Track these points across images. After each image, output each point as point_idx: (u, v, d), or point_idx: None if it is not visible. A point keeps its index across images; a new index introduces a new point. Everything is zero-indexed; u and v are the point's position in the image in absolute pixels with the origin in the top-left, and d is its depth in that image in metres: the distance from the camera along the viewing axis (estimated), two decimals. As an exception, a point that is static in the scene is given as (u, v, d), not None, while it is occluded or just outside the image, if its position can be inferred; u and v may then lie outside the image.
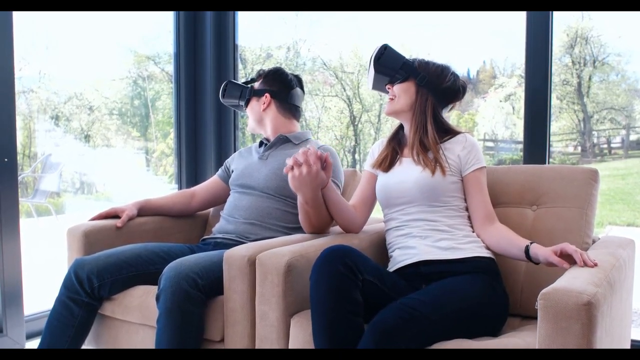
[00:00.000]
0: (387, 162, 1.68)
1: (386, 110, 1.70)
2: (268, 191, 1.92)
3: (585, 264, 1.27)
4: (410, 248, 1.55)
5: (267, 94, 2.04)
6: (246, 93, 2.09)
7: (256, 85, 2.10)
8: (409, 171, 1.61)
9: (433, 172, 1.56)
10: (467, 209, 1.61)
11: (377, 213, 1.88)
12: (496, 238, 1.54)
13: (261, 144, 2.10)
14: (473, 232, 1.59)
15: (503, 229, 1.55)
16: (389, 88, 1.68)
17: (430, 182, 1.56)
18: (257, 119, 2.09)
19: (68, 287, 1.69)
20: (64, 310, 1.68)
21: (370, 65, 1.68)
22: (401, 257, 1.56)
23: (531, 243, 1.44)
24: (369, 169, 1.75)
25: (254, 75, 2.17)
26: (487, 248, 1.57)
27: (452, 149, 1.61)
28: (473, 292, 1.40)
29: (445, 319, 1.29)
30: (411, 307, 1.26)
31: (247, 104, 2.10)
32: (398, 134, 1.73)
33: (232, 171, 2.10)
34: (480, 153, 1.62)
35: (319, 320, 1.28)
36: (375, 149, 1.79)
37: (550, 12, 2.10)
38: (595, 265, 1.27)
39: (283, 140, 2.03)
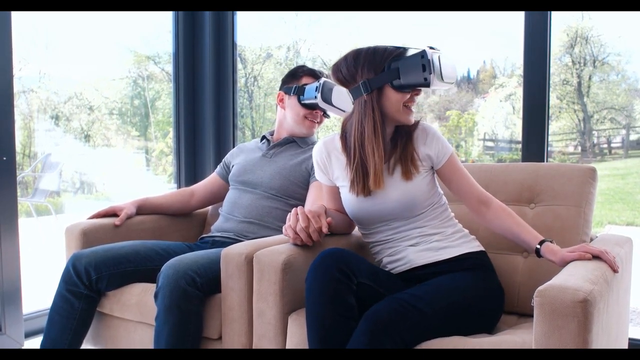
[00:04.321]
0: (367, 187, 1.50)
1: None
2: (271, 191, 1.92)
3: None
4: (400, 255, 1.52)
5: None
6: None
7: None
8: (385, 190, 1.49)
9: (409, 177, 1.47)
10: (444, 198, 1.58)
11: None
12: (499, 227, 1.48)
13: (262, 139, 2.10)
14: (458, 223, 1.57)
15: (503, 215, 1.47)
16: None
17: (411, 195, 1.47)
18: None
19: (66, 280, 1.69)
20: (64, 304, 1.68)
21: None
22: (391, 264, 1.54)
23: (541, 244, 1.40)
24: (324, 181, 1.61)
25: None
26: (485, 245, 1.58)
27: (416, 150, 1.51)
28: (467, 287, 1.40)
29: (439, 313, 1.29)
30: (405, 301, 1.26)
31: None
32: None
33: (233, 166, 2.09)
34: (443, 139, 1.53)
35: (313, 325, 1.29)
36: (322, 160, 1.59)
37: (549, 12, 2.11)
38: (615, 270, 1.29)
39: (290, 141, 2.03)
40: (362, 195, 1.49)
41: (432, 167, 1.54)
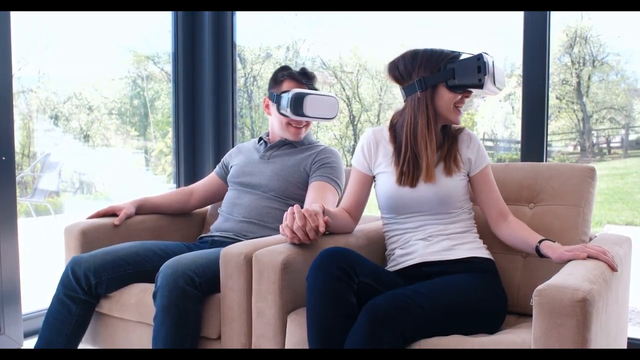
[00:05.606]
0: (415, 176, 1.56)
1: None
2: (270, 192, 1.92)
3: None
4: (411, 248, 1.56)
5: None
6: None
7: None
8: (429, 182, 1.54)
9: (449, 173, 1.54)
10: (472, 210, 1.64)
11: (375, 211, 1.88)
12: (510, 237, 1.56)
13: (260, 140, 2.10)
14: (476, 233, 1.61)
15: (515, 226, 1.56)
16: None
17: (448, 190, 1.53)
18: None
19: (65, 285, 1.69)
20: (62, 308, 1.68)
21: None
22: (402, 257, 1.56)
23: (541, 242, 1.46)
24: (360, 168, 1.66)
25: (314, 78, 2.00)
26: (489, 246, 1.61)
27: (459, 151, 1.59)
28: (470, 289, 1.41)
29: (440, 311, 1.29)
30: (406, 296, 1.27)
31: None
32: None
33: (231, 167, 2.09)
34: (484, 149, 1.63)
35: (313, 324, 1.29)
36: (369, 146, 1.65)
37: (548, 12, 2.11)
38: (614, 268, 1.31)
39: (286, 142, 2.03)
40: (408, 186, 1.54)
41: (468, 174, 1.60)
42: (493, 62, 1.50)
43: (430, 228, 1.55)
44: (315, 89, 1.96)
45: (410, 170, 1.54)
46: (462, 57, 1.52)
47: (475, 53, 1.51)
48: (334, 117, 1.95)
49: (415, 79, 1.53)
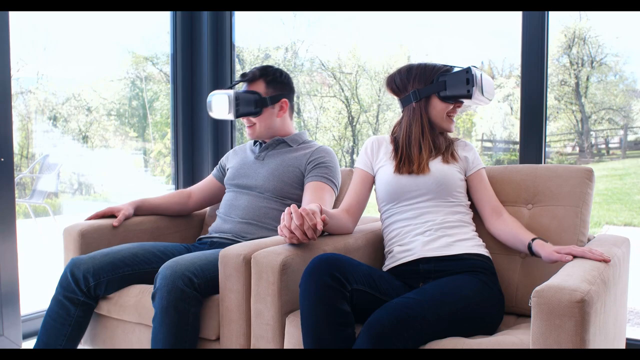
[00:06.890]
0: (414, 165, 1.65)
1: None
2: (266, 192, 1.92)
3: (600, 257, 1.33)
4: (410, 244, 1.57)
5: (284, 100, 1.99)
6: (263, 103, 1.95)
7: (267, 92, 1.96)
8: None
9: (447, 162, 1.63)
10: (470, 207, 1.67)
11: (374, 212, 1.88)
12: (504, 233, 1.61)
13: (255, 141, 2.10)
14: (474, 230, 1.63)
15: (510, 222, 1.61)
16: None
17: (447, 175, 1.61)
18: (269, 126, 2.00)
19: (64, 286, 1.69)
20: (60, 310, 1.68)
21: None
22: (401, 254, 1.57)
23: (533, 240, 1.51)
24: (363, 167, 1.73)
25: (246, 76, 1.98)
26: (486, 247, 1.62)
27: (455, 150, 1.69)
28: (469, 292, 1.41)
29: (442, 319, 1.29)
30: (407, 307, 1.26)
31: (260, 113, 1.96)
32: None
33: (228, 169, 2.10)
34: (478, 155, 1.73)
35: (308, 333, 1.29)
36: (372, 147, 1.74)
37: (546, 12, 2.12)
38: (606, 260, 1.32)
39: (279, 142, 2.03)
40: (407, 174, 1.63)
41: (465, 173, 1.68)
42: (481, 74, 1.61)
43: (429, 219, 1.58)
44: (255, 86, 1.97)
45: (406, 165, 1.64)
46: (453, 70, 1.65)
47: (465, 66, 1.63)
48: (230, 116, 1.93)
49: (410, 90, 1.65)
